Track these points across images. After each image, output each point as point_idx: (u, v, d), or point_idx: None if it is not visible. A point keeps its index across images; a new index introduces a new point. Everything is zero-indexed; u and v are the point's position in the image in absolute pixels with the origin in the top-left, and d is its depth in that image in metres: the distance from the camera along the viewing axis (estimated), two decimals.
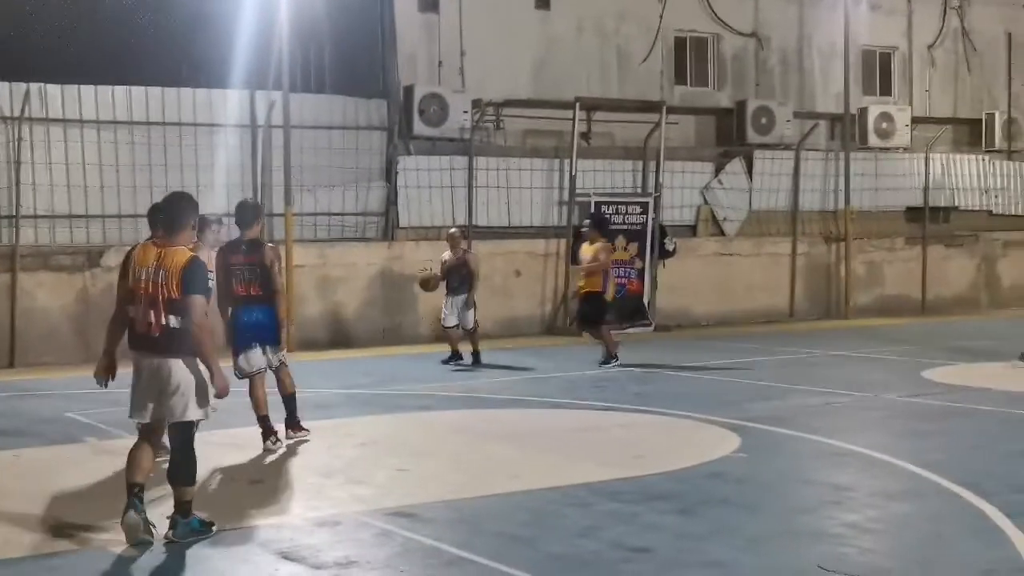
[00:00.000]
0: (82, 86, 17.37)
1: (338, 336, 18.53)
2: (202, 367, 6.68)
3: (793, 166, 22.85)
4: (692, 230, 22.21)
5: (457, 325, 15.75)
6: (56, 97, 17.22)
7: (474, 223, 19.80)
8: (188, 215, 6.85)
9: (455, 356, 15.79)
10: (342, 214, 19.17)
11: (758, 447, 9.66)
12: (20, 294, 16.39)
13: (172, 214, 6.82)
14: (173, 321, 6.58)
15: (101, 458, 9.33)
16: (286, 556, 6.52)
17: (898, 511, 7.69)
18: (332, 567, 6.32)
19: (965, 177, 25.12)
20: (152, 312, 6.61)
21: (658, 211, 20.95)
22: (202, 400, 6.72)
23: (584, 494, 7.92)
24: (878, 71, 26.33)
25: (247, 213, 10.05)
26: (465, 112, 20.07)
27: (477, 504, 7.81)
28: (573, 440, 10.40)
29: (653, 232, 20.75)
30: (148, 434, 6.90)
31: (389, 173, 19.52)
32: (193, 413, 6.71)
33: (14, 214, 16.50)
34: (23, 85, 16.73)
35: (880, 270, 23.92)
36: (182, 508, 6.73)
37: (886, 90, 26.33)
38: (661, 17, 23.32)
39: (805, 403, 12.08)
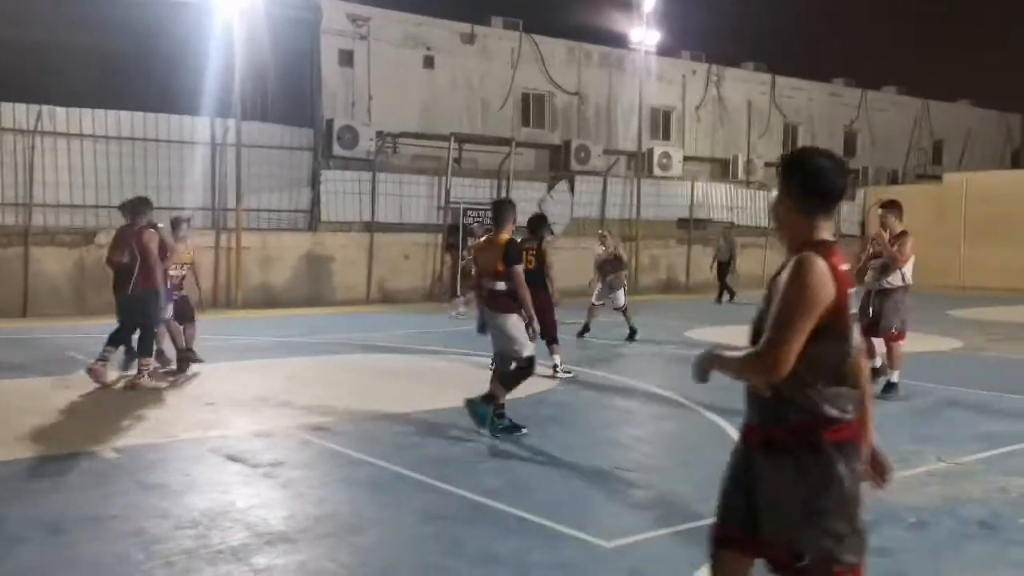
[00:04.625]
0: (82, 109, 16.55)
1: (274, 300, 18.08)
2: (515, 321, 6.96)
3: (602, 188, 23.16)
4: None
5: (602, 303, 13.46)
6: (61, 116, 16.38)
7: (376, 220, 19.54)
8: (509, 213, 7.15)
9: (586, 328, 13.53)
10: (279, 211, 18.71)
11: (572, 382, 9.78)
12: (31, 262, 15.60)
13: (499, 214, 7.20)
14: (498, 286, 6.97)
15: (89, 386, 8.93)
16: (231, 458, 6.35)
17: (666, 427, 7.91)
18: (266, 466, 6.18)
19: (718, 199, 25.85)
20: (486, 280, 7.07)
21: None
22: (513, 344, 7.00)
23: (451, 415, 7.87)
24: (661, 123, 26.76)
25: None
26: (371, 140, 19.76)
27: (374, 421, 7.72)
28: (445, 377, 10.36)
29: None
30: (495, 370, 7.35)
31: (314, 182, 19.12)
32: (517, 353, 7.01)
33: (27, 203, 15.80)
34: (36, 106, 15.95)
35: (659, 261, 24.48)
36: (488, 398, 7.02)
37: (667, 136, 26.75)
38: (512, 79, 23.37)
39: (604, 353, 12.32)
